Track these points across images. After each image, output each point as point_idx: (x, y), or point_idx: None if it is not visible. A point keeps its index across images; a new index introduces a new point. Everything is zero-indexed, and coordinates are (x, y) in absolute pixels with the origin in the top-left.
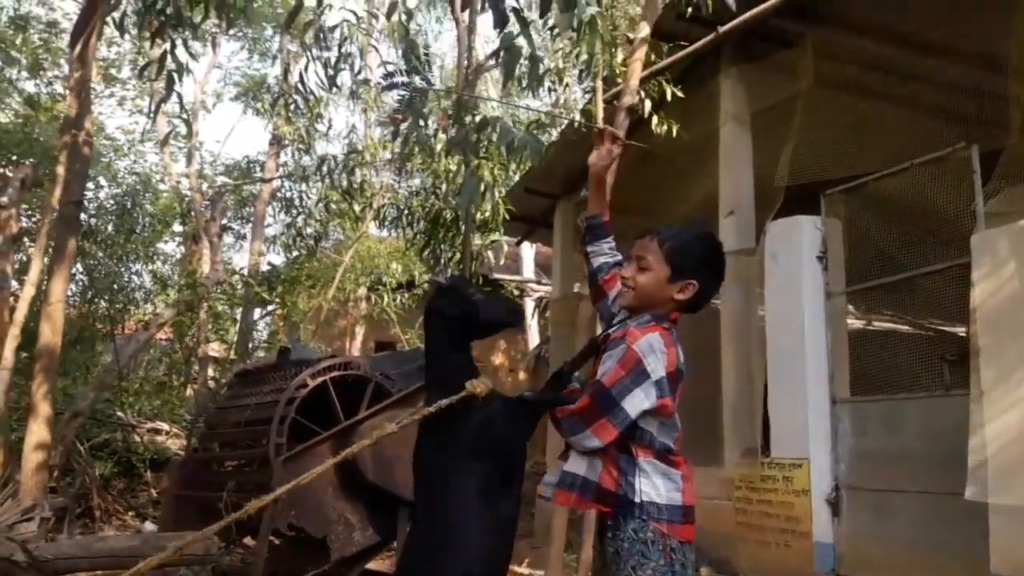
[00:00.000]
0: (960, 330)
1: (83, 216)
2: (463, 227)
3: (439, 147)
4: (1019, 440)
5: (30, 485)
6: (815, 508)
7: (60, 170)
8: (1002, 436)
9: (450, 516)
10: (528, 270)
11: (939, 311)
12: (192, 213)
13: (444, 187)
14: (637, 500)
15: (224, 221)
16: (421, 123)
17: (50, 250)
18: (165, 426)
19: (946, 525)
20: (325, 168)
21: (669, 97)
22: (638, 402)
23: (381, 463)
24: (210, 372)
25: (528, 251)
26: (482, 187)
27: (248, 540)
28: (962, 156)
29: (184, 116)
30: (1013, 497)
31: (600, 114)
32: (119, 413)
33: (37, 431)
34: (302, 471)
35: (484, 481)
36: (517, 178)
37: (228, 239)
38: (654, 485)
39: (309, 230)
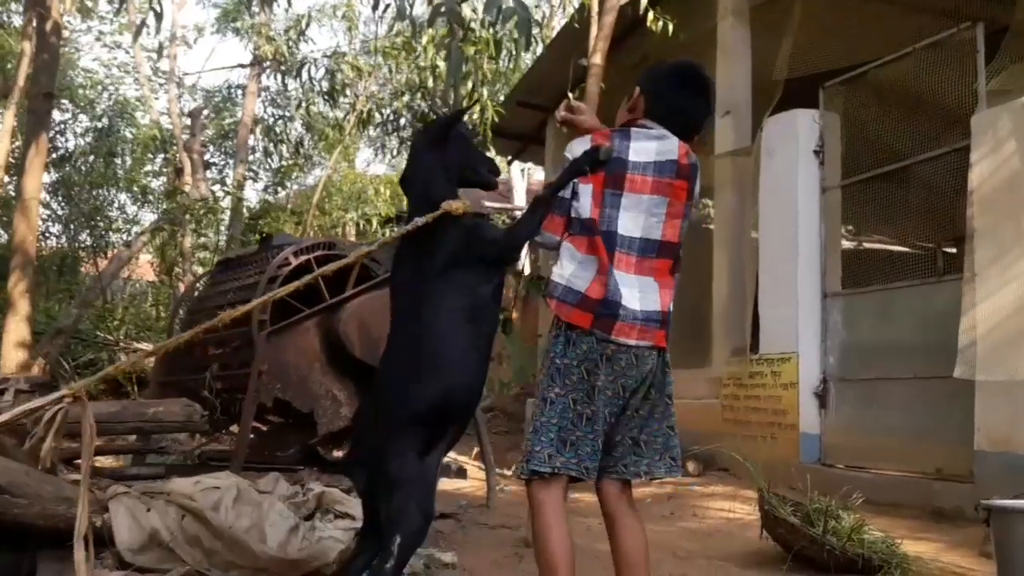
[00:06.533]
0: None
1: (61, 143)
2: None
3: (423, 18)
4: (1010, 319)
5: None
6: (802, 401)
7: (25, 47)
8: (993, 316)
9: (429, 335)
10: (520, 199)
11: (936, 198)
12: (172, 138)
13: (431, 83)
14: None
15: (206, 155)
16: None
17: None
18: (151, 347)
19: (932, 409)
20: (306, 73)
21: None
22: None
23: (368, 341)
24: None
25: (519, 180)
26: (469, 68)
27: (234, 427)
28: (966, 37)
29: (155, 7)
30: (1000, 373)
31: (596, 5)
32: (105, 336)
33: (16, 330)
34: (287, 346)
35: (463, 297)
36: (506, 86)
37: (210, 174)
38: (561, 267)
39: (292, 132)
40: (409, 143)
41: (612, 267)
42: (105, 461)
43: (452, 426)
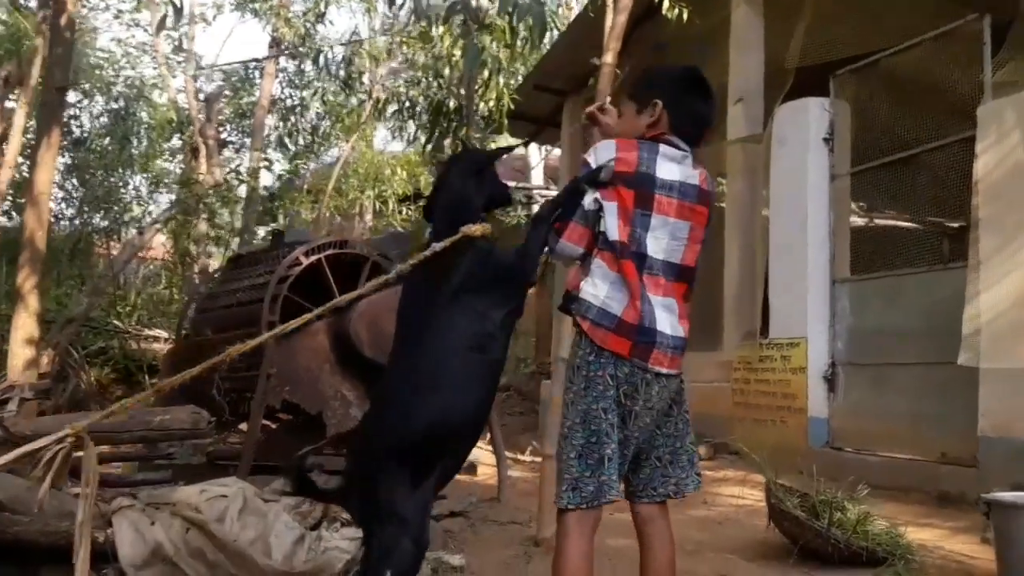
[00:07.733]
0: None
1: (76, 128)
2: (465, 116)
3: (439, 13)
4: (1013, 308)
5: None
6: (811, 385)
7: (38, 43)
8: (997, 304)
9: (431, 360)
10: (537, 178)
11: (943, 186)
12: (189, 120)
13: (447, 71)
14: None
15: (223, 134)
16: None
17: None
18: (164, 334)
19: (938, 395)
20: (322, 60)
21: None
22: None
23: (378, 339)
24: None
25: (537, 158)
26: (485, 58)
27: (244, 426)
28: (973, 28)
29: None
30: (1003, 361)
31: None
32: (116, 322)
33: (24, 327)
34: (296, 348)
35: (472, 323)
36: (522, 67)
37: (228, 153)
38: (594, 285)
39: (311, 113)
40: (426, 129)
41: (645, 290)
42: (112, 468)
43: (448, 455)
